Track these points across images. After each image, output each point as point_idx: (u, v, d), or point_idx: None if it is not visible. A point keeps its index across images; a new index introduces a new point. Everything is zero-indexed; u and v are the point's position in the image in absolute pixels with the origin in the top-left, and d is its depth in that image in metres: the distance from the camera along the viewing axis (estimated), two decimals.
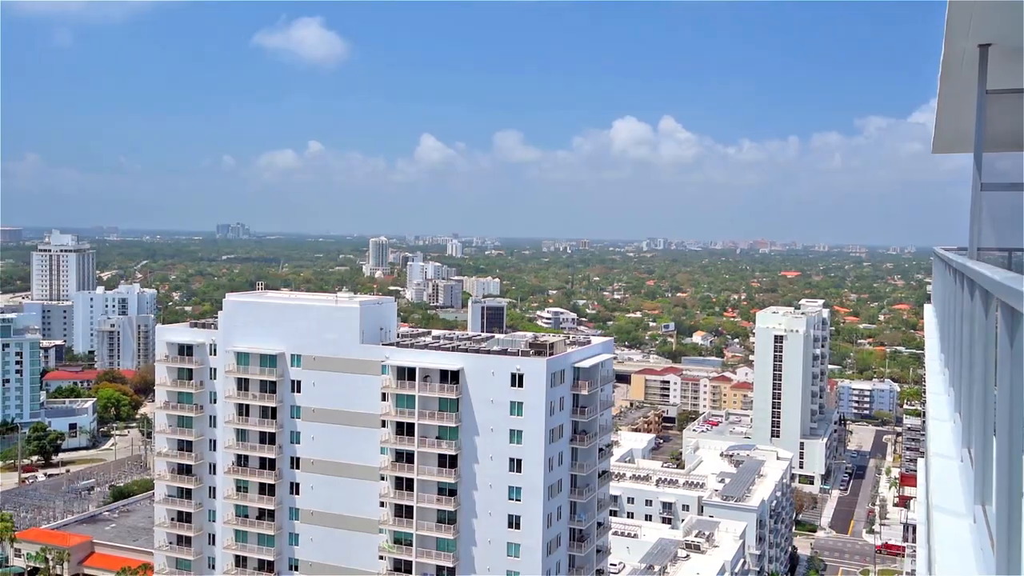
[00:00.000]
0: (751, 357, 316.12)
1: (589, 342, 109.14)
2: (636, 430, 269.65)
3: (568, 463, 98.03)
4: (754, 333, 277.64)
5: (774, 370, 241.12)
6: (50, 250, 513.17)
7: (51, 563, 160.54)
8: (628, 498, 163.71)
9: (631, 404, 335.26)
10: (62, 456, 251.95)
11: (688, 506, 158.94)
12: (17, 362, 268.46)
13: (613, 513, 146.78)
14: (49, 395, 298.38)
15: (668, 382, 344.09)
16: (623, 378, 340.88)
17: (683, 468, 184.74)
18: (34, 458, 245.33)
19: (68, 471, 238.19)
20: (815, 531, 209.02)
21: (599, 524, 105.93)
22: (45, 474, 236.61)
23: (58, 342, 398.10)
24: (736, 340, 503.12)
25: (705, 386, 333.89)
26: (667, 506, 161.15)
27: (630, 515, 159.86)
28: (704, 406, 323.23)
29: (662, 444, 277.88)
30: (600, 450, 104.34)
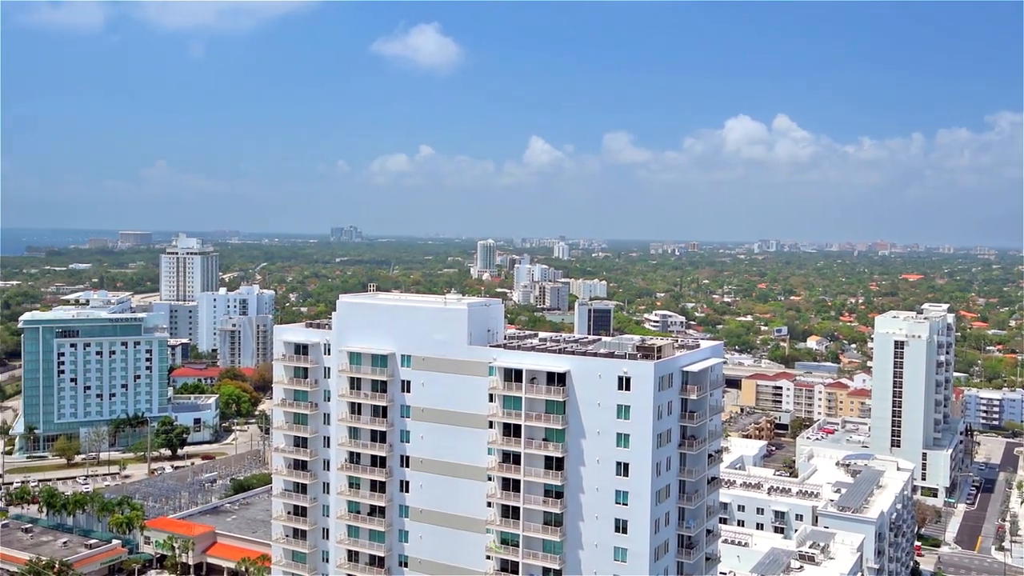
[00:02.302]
0: (869, 363, 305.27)
1: (698, 346, 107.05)
2: (747, 436, 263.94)
3: (676, 468, 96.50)
4: (873, 338, 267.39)
5: (894, 377, 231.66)
6: (177, 253, 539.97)
7: (177, 551, 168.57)
8: (739, 506, 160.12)
9: (742, 410, 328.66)
10: (187, 449, 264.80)
11: (802, 516, 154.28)
12: (147, 359, 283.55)
13: (723, 521, 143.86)
14: (176, 391, 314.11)
15: (780, 388, 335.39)
16: (733, 383, 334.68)
17: (796, 476, 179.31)
18: (162, 451, 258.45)
19: (193, 464, 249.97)
20: (939, 546, 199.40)
21: (708, 531, 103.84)
22: (172, 466, 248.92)
23: (184, 340, 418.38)
24: (853, 345, 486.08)
25: (820, 392, 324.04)
26: (780, 515, 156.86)
27: (740, 523, 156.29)
28: (819, 413, 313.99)
29: (774, 451, 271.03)
30: (709, 456, 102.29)
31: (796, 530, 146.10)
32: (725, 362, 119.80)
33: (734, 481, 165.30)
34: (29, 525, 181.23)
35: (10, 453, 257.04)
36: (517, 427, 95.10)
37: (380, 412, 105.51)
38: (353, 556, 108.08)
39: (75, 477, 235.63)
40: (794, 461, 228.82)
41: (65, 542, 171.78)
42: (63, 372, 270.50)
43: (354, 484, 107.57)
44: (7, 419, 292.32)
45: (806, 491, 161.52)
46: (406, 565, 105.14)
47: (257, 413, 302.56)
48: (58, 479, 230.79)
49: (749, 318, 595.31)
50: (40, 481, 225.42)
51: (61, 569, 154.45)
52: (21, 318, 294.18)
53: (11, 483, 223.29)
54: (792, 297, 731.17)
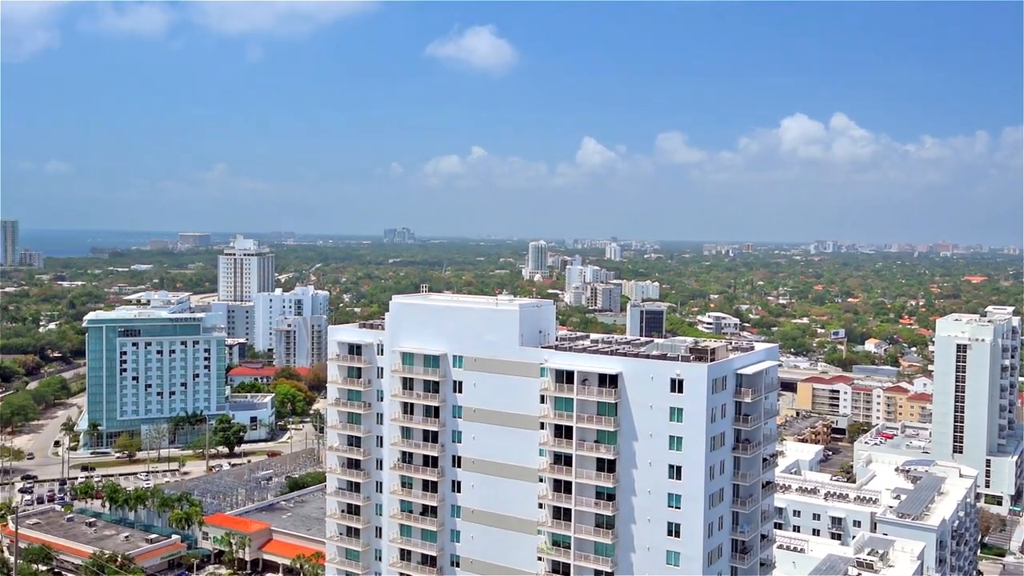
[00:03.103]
0: (930, 367, 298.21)
1: (752, 348, 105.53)
2: (803, 440, 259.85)
3: (730, 472, 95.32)
4: (934, 342, 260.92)
5: (957, 381, 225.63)
6: (234, 254, 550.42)
7: (234, 547, 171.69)
8: (794, 511, 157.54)
9: (797, 414, 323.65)
10: (244, 447, 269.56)
11: (860, 522, 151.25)
12: (205, 358, 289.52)
13: (778, 526, 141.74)
14: (233, 390, 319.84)
15: (838, 391, 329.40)
16: (789, 386, 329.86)
17: (854, 482, 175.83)
18: (219, 448, 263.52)
19: (249, 461, 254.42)
20: (1003, 555, 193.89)
21: (763, 536, 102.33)
22: (229, 463, 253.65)
23: (241, 340, 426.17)
24: (913, 349, 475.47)
25: (879, 396, 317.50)
26: (837, 521, 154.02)
27: (796, 529, 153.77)
28: (877, 418, 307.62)
29: (831, 456, 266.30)
30: (764, 460, 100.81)
31: (854, 537, 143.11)
32: (780, 365, 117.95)
33: (789, 486, 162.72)
34: (93, 519, 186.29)
35: (75, 449, 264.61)
36: (568, 429, 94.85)
37: (432, 412, 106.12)
38: (405, 555, 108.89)
39: (136, 473, 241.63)
40: (852, 466, 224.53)
41: (127, 536, 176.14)
42: (125, 370, 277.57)
43: (406, 483, 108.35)
44: (72, 416, 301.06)
45: (864, 497, 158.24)
46: (458, 565, 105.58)
47: (312, 412, 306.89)
48: (120, 475, 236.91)
49: (805, 320, 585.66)
50: (103, 476, 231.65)
51: (123, 563, 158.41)
52: (86, 318, 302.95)
53: (76, 478, 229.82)
54: (850, 299, 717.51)
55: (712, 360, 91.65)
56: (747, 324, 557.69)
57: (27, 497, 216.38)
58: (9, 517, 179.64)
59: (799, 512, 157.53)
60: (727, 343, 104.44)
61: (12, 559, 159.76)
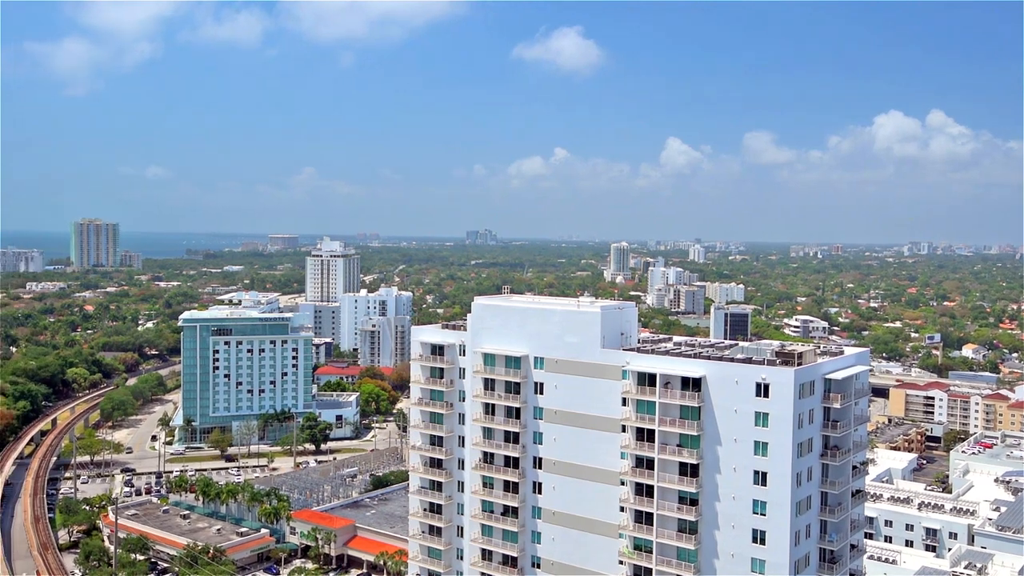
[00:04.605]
0: None
1: (842, 352, 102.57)
2: (895, 448, 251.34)
3: (818, 479, 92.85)
4: None
5: None
6: (321, 256, 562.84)
7: (320, 542, 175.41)
8: (886, 520, 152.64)
9: (889, 420, 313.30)
10: (329, 445, 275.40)
11: (956, 534, 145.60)
12: (293, 357, 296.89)
13: (868, 536, 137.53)
14: (319, 388, 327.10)
15: (932, 398, 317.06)
16: (880, 392, 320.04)
17: (950, 492, 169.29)
18: (306, 445, 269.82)
19: (335, 459, 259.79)
20: None
21: (852, 546, 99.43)
22: (315, 460, 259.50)
23: (327, 340, 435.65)
24: (1015, 355, 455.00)
25: (977, 404, 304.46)
26: (931, 532, 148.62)
27: (888, 539, 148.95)
28: (975, 426, 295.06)
29: (925, 465, 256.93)
30: (854, 467, 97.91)
31: (950, 549, 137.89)
32: (871, 370, 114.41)
33: (881, 495, 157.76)
34: (187, 512, 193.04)
35: (170, 443, 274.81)
36: (651, 432, 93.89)
37: (513, 413, 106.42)
38: (487, 555, 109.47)
39: (228, 468, 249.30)
40: (947, 476, 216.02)
41: (219, 529, 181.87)
42: (218, 368, 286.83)
43: (488, 484, 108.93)
44: (168, 411, 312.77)
45: (961, 508, 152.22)
46: (539, 566, 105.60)
47: (395, 411, 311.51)
48: (212, 469, 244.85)
49: (898, 324, 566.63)
50: (197, 471, 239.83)
51: (215, 555, 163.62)
52: (180, 317, 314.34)
53: (171, 472, 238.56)
54: (946, 303, 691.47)
55: (799, 364, 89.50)
56: (836, 328, 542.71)
57: (126, 489, 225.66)
58: (110, 508, 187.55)
59: (891, 522, 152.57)
60: (815, 347, 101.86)
61: (112, 548, 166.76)
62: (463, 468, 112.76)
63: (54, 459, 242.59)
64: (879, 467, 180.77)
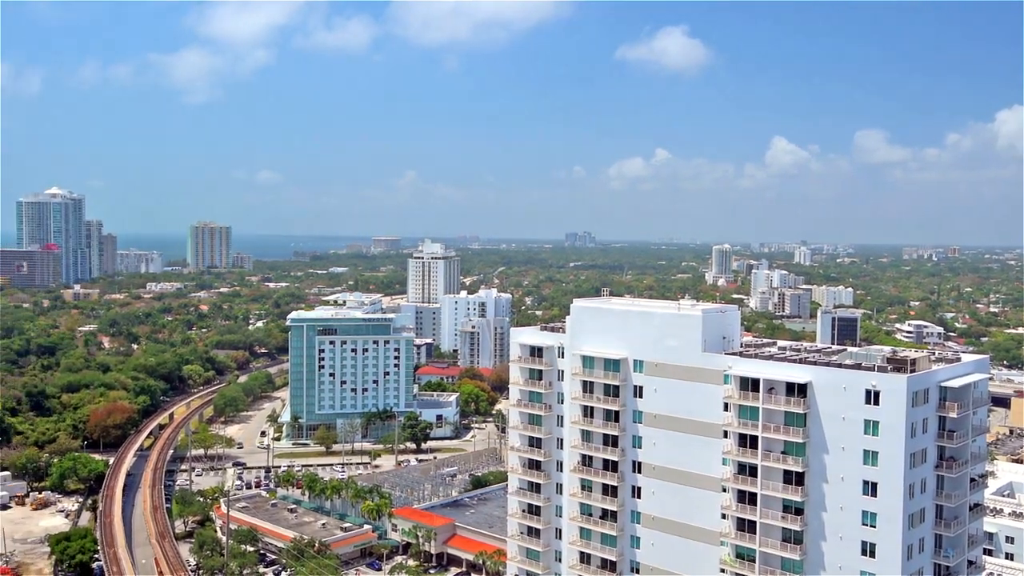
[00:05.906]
0: None
1: (959, 359, 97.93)
2: (1017, 461, 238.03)
3: (932, 491, 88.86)
4: None
5: None
6: (423, 257, 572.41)
7: (420, 540, 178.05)
8: (1007, 537, 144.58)
9: (1011, 431, 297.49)
10: (430, 444, 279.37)
11: None
12: (395, 357, 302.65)
13: (988, 552, 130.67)
14: (420, 388, 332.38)
15: None
16: (1001, 401, 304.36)
17: None
18: (407, 443, 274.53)
19: (435, 458, 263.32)
20: None
21: (970, 563, 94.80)
22: (416, 459, 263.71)
23: (428, 340, 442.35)
24: None
25: None
26: None
27: (1009, 556, 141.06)
28: None
29: None
30: (972, 480, 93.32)
31: None
32: (991, 378, 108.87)
33: (1002, 510, 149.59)
34: (294, 506, 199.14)
35: (279, 439, 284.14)
36: (754, 438, 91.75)
37: (612, 416, 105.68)
38: (585, 558, 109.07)
39: (332, 464, 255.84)
40: None
41: (323, 524, 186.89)
42: (323, 367, 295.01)
43: (586, 487, 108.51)
44: (276, 408, 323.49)
45: None
46: (637, 571, 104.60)
47: (494, 412, 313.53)
48: (318, 465, 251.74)
49: (1020, 330, 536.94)
50: (303, 466, 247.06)
51: (320, 548, 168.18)
52: (288, 317, 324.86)
53: (279, 467, 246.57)
54: None
55: (912, 371, 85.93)
56: (953, 334, 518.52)
57: (237, 482, 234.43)
58: (222, 500, 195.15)
59: (1012, 539, 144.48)
60: (930, 353, 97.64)
61: (224, 539, 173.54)
62: (561, 470, 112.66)
63: (171, 452, 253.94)
64: (1000, 480, 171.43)
